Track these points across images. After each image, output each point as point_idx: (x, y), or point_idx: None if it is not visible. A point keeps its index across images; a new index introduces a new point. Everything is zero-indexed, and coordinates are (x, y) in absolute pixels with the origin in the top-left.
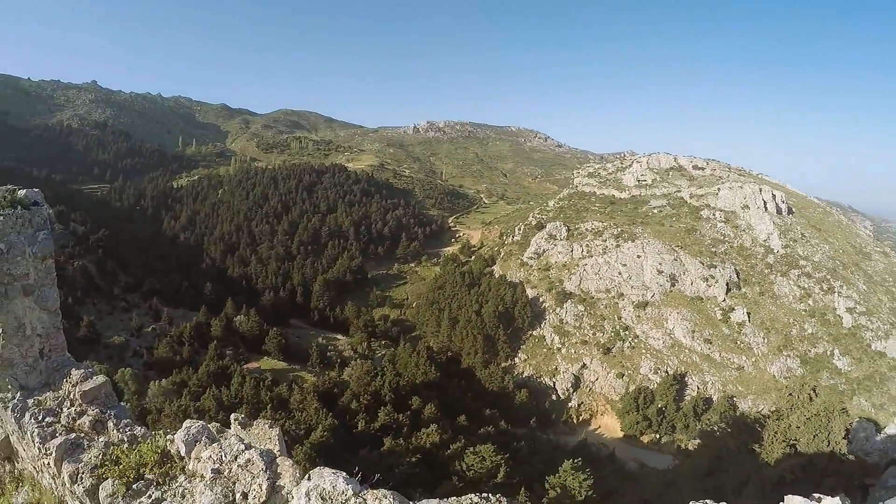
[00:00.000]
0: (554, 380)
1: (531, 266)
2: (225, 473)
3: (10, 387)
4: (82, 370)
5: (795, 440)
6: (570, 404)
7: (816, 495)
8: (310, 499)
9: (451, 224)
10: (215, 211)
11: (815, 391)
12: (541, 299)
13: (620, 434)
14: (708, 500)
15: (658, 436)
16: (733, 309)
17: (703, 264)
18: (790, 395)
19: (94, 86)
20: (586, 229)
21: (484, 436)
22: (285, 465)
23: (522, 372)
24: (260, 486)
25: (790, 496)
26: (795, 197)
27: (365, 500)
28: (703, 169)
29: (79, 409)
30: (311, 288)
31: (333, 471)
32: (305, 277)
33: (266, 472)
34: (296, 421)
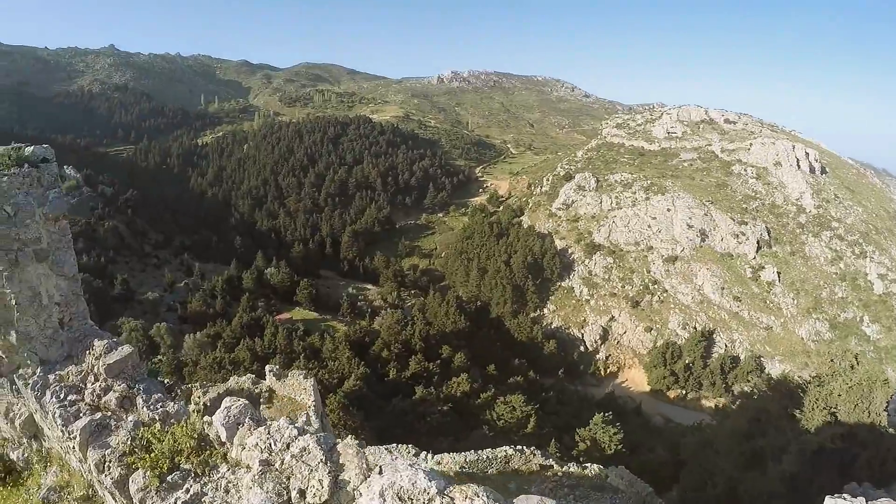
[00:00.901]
0: (582, 331)
1: (560, 217)
2: (276, 465)
3: (29, 362)
4: (106, 340)
5: (836, 408)
6: (597, 356)
7: None
8: (384, 499)
9: (479, 174)
10: (241, 166)
11: (857, 359)
12: (569, 250)
13: (647, 388)
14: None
15: (684, 392)
16: (763, 267)
17: (733, 220)
18: (832, 360)
19: (113, 50)
20: (615, 181)
21: (513, 385)
22: (349, 454)
23: (551, 323)
24: (320, 481)
25: None
26: (829, 156)
27: (452, 499)
28: (734, 123)
29: (104, 384)
30: (340, 239)
31: (410, 462)
32: (334, 229)
33: (326, 463)
34: (329, 370)
